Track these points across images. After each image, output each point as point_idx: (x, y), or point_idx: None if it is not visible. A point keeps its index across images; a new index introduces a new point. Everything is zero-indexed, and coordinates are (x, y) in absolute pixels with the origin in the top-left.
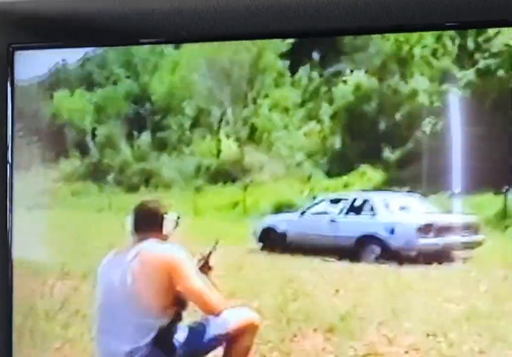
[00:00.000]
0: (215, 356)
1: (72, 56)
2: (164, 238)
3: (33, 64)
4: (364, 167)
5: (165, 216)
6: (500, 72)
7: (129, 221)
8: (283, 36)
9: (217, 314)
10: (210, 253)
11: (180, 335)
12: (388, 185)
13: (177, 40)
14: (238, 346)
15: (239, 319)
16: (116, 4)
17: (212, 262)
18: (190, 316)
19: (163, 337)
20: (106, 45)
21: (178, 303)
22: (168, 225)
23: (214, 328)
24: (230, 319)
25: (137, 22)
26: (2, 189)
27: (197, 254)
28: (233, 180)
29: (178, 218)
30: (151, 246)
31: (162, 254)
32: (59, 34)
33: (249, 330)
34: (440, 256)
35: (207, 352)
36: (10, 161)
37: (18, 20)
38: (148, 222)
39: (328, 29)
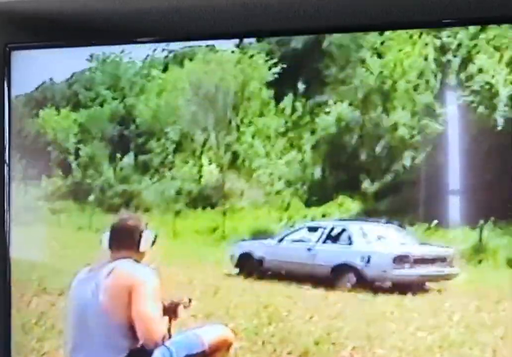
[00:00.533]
0: None
1: (59, 74)
2: (140, 256)
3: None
4: (343, 197)
5: (142, 233)
6: (481, 109)
7: (105, 238)
8: (281, 34)
9: (152, 344)
10: (182, 304)
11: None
12: (366, 215)
13: (174, 39)
14: None
15: (214, 335)
16: (115, 4)
17: (180, 313)
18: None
19: None
20: (104, 44)
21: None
22: (145, 242)
23: (187, 347)
24: (205, 337)
25: (135, 22)
26: None
27: (173, 276)
28: (213, 205)
29: (156, 236)
30: (124, 265)
31: (129, 275)
32: (57, 34)
33: (223, 346)
34: (414, 287)
35: None
36: (7, 161)
37: (15, 20)
38: (125, 238)
39: (327, 27)
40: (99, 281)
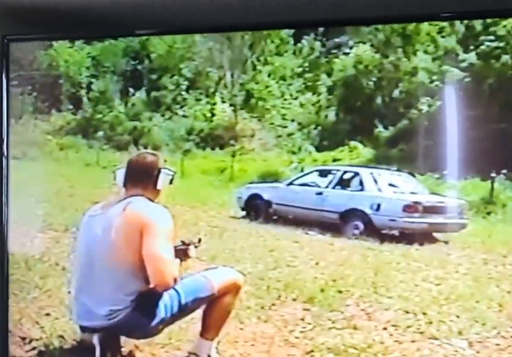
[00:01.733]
0: (193, 317)
1: None
2: (155, 194)
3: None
4: (355, 143)
5: (162, 170)
6: (503, 57)
7: (120, 174)
8: (280, 27)
9: (164, 287)
10: (192, 244)
11: (160, 299)
12: (377, 162)
13: (172, 31)
14: (219, 307)
15: (223, 279)
16: None
17: (191, 254)
18: None
19: (144, 301)
20: (102, 36)
21: None
22: (163, 180)
23: (196, 290)
24: (214, 280)
25: (133, 13)
26: None
27: (179, 216)
28: (222, 146)
29: (175, 173)
30: (138, 203)
31: (143, 214)
32: (54, 26)
33: (232, 289)
34: (422, 237)
35: (187, 314)
36: (5, 153)
37: (13, 12)
38: (142, 175)
39: (327, 20)
40: (111, 219)
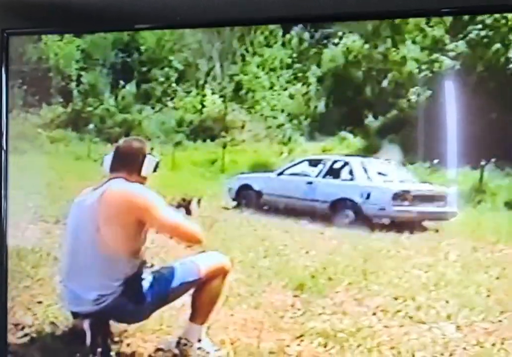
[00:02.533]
0: (183, 304)
1: None
2: (141, 181)
3: None
4: (345, 133)
5: (147, 156)
6: (492, 45)
7: (107, 160)
8: (280, 21)
9: (196, 242)
10: (193, 201)
11: (146, 284)
12: (367, 152)
13: (172, 25)
14: (208, 291)
15: (210, 263)
16: None
17: (193, 210)
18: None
19: (131, 286)
20: (101, 31)
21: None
22: (147, 166)
23: (183, 275)
24: (201, 264)
25: (132, 8)
26: None
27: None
28: (213, 137)
29: (158, 162)
30: (118, 185)
31: (131, 196)
32: (54, 20)
33: (219, 274)
34: (412, 225)
35: (174, 299)
36: (4, 147)
37: (13, 6)
38: (128, 160)
39: (323, 15)
40: (92, 204)
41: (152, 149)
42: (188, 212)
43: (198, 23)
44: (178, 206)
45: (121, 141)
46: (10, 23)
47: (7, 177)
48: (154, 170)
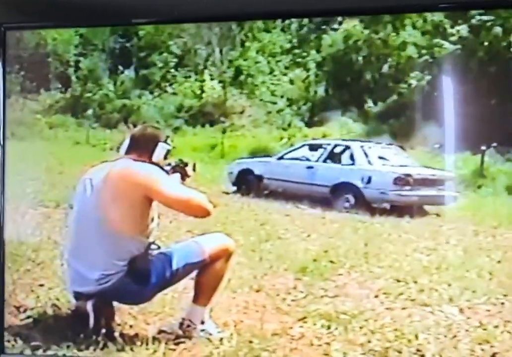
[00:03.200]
0: (186, 286)
1: None
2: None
3: None
4: (345, 118)
5: (159, 143)
6: (495, 29)
7: (124, 145)
8: (278, 16)
9: (206, 214)
10: (187, 164)
11: (151, 265)
12: (367, 136)
13: (170, 20)
14: (211, 273)
15: (214, 244)
16: None
17: (190, 172)
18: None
19: (136, 266)
20: (99, 25)
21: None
22: (159, 152)
23: (187, 256)
24: (205, 245)
25: (130, 2)
26: None
27: None
28: (213, 123)
29: (172, 148)
30: (123, 164)
31: (135, 173)
32: (52, 14)
33: (223, 255)
34: (412, 210)
35: (178, 280)
36: (1, 143)
37: (10, 1)
38: (141, 145)
39: (321, 10)
40: (98, 183)
41: (167, 137)
42: (185, 173)
43: (196, 17)
44: (174, 171)
45: (137, 128)
46: (8, 17)
47: (4, 163)
48: (165, 158)
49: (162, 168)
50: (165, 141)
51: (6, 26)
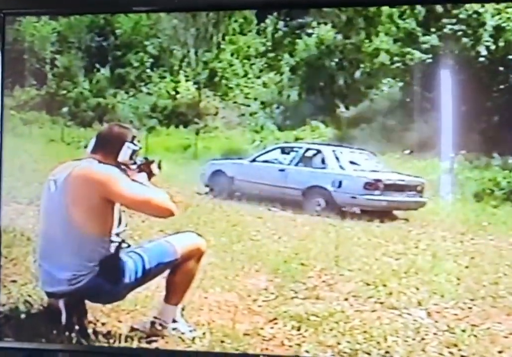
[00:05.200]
0: (158, 285)
1: None
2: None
3: None
4: (317, 122)
5: (126, 143)
6: (465, 39)
7: (91, 143)
8: (276, 7)
9: (169, 214)
10: (153, 162)
11: (123, 265)
12: (338, 142)
13: (170, 8)
14: (183, 272)
15: (186, 244)
16: None
17: (155, 170)
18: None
19: (107, 266)
20: (99, 12)
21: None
22: (125, 152)
23: (159, 255)
24: (177, 244)
25: None
26: None
27: None
28: (186, 124)
29: (138, 148)
30: (85, 164)
31: (94, 174)
32: (51, 1)
33: (195, 254)
34: (382, 214)
35: (150, 279)
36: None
37: None
38: (107, 144)
39: (328, 1)
40: (61, 183)
41: (134, 137)
42: (151, 172)
43: (198, 6)
44: (140, 170)
45: (104, 126)
46: (7, 4)
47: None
48: (131, 158)
49: (128, 167)
50: (131, 141)
51: (5, 12)
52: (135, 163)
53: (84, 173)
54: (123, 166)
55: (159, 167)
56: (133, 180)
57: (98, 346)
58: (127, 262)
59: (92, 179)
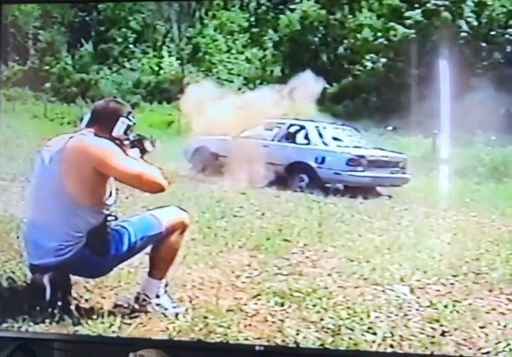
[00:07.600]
0: (141, 261)
1: None
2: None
3: None
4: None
5: (120, 118)
6: (446, 14)
7: (86, 117)
8: None
9: (160, 190)
10: (146, 138)
11: (110, 237)
12: (322, 117)
13: None
14: (167, 246)
15: (170, 217)
16: None
17: (148, 147)
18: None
19: (94, 237)
20: (97, 0)
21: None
22: (119, 127)
23: (145, 228)
24: (162, 218)
25: None
26: None
27: None
28: (170, 100)
29: (133, 124)
30: (79, 137)
31: (88, 146)
32: None
33: (179, 228)
34: (365, 191)
35: (136, 253)
36: None
37: None
38: (101, 118)
39: None
40: (55, 154)
41: (130, 112)
42: (143, 148)
43: None
44: (132, 146)
45: (100, 101)
46: None
47: None
48: (125, 133)
49: (122, 142)
50: (126, 117)
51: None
52: (128, 139)
53: (78, 145)
54: (117, 141)
55: (153, 145)
56: (126, 154)
57: (91, 335)
58: (114, 234)
59: (86, 151)
